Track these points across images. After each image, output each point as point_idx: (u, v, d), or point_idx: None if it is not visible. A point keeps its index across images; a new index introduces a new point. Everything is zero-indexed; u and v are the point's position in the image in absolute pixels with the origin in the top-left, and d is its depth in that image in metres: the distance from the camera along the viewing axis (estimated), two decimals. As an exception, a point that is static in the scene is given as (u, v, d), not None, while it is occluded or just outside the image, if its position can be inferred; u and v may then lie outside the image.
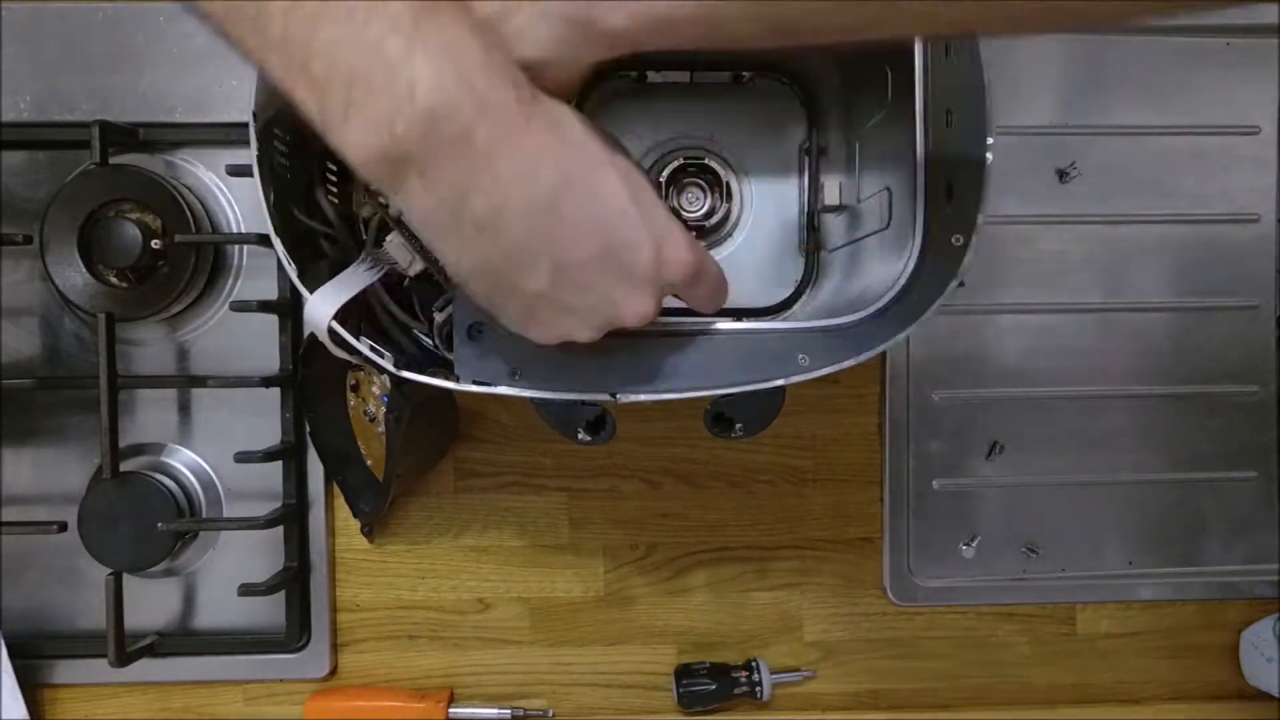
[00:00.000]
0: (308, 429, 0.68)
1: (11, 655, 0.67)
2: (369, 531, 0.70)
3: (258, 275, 0.69)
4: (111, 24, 0.68)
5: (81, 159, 0.66)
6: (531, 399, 0.47)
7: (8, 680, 0.66)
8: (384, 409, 0.66)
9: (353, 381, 0.67)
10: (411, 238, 0.51)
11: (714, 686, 0.70)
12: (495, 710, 0.70)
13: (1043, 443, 0.73)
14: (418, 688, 0.71)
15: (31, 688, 0.68)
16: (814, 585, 0.73)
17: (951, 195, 0.47)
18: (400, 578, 0.72)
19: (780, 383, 0.47)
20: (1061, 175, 0.72)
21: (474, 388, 0.47)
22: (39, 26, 0.68)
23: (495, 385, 0.47)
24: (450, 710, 0.69)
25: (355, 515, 0.69)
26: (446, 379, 0.48)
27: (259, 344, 0.69)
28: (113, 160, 0.66)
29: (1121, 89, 0.72)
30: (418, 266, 0.52)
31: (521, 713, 0.70)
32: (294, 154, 0.52)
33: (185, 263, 0.67)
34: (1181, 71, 0.72)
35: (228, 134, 0.68)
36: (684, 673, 0.71)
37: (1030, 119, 0.72)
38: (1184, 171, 0.72)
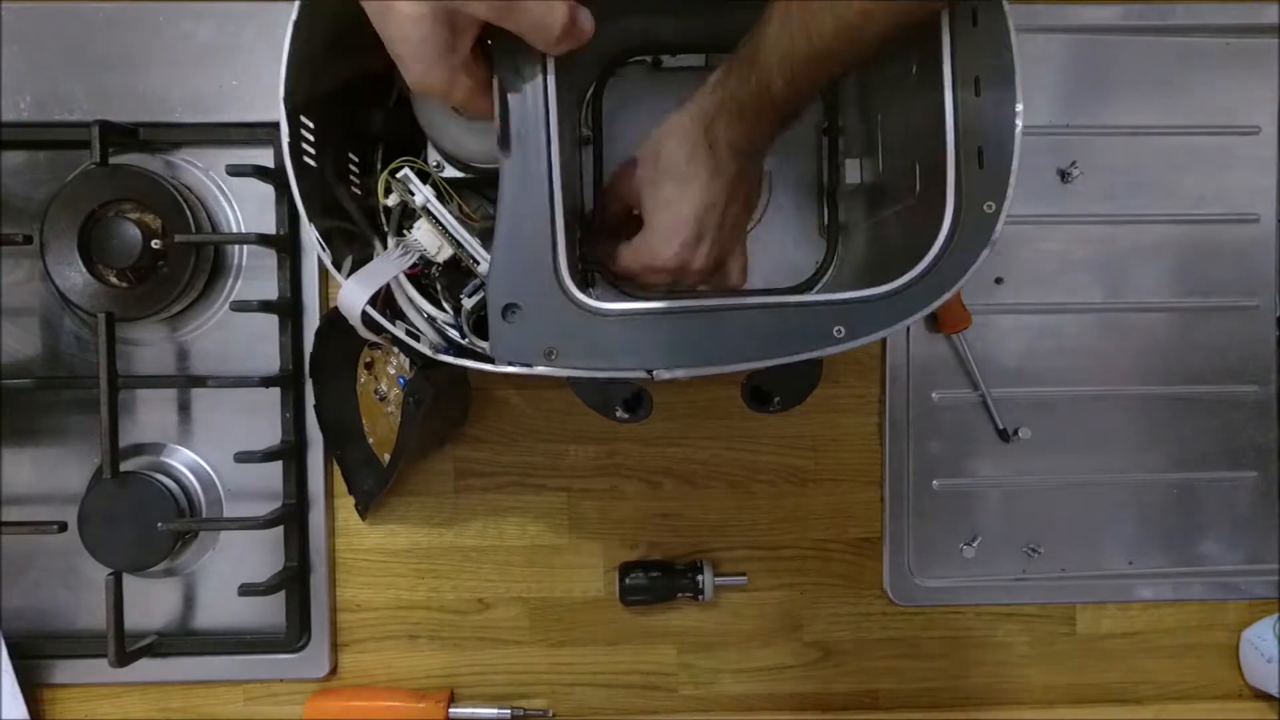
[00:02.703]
0: (312, 403, 0.68)
1: (11, 655, 0.67)
2: (364, 510, 0.70)
3: (258, 275, 0.69)
4: (111, 24, 0.68)
5: (81, 159, 0.66)
6: (568, 378, 0.47)
7: (8, 680, 0.66)
8: (399, 390, 0.66)
9: (367, 360, 0.67)
10: (438, 224, 0.51)
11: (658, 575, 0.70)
12: (495, 710, 0.70)
13: (1043, 443, 0.73)
14: (418, 688, 0.71)
15: (31, 688, 0.68)
16: (814, 585, 0.73)
17: (982, 162, 0.47)
18: (400, 578, 0.72)
19: (816, 354, 0.47)
20: (1063, 175, 0.72)
21: (511, 369, 0.46)
22: (39, 26, 0.68)
23: (532, 365, 0.46)
24: (450, 710, 0.69)
25: (351, 492, 0.69)
26: (481, 361, 0.47)
27: (259, 344, 0.69)
28: (113, 160, 0.66)
29: (1122, 89, 0.72)
30: (446, 253, 0.52)
31: (521, 713, 0.70)
32: (319, 144, 0.52)
33: (185, 263, 0.67)
34: (1181, 71, 0.72)
35: (228, 134, 0.68)
36: (628, 568, 0.71)
37: (1031, 119, 0.71)
38: (1184, 171, 0.72)
